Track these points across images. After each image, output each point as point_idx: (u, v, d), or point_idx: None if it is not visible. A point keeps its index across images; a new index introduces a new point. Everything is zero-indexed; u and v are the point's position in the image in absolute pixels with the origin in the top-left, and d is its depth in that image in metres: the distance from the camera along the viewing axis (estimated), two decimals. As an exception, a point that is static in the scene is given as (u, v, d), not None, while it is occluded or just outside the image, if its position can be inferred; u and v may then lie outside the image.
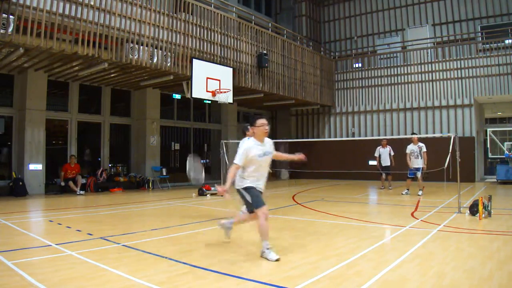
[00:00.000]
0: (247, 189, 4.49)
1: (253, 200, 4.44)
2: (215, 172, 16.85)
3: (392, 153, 12.40)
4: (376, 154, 12.64)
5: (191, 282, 3.53)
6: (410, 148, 11.08)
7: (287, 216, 7.52)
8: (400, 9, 19.41)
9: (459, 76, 16.16)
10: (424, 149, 10.89)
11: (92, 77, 12.03)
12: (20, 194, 10.56)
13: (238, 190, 4.59)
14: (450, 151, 7.81)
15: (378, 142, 12.82)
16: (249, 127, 4.65)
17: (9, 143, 11.53)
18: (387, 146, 12.45)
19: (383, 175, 12.76)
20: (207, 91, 11.56)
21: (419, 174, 10.91)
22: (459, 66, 16.19)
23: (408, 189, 11.15)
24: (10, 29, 7.70)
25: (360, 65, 19.24)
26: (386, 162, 12.47)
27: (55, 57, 9.47)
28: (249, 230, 6.20)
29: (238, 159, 4.44)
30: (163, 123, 15.11)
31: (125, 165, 14.73)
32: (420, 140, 11.24)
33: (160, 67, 10.49)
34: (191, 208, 9.00)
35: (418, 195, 10.71)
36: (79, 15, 8.70)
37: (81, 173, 12.06)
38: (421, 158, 10.89)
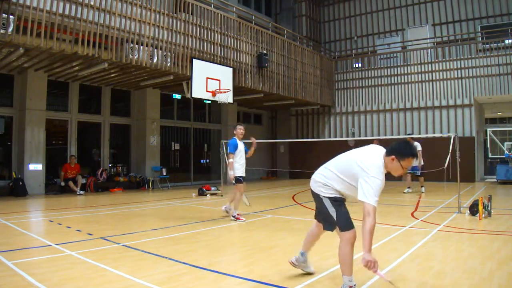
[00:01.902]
0: (335, 200, 3.23)
1: (339, 219, 3.16)
2: (215, 172, 16.87)
3: None
4: None
5: (191, 282, 3.53)
6: None
7: (287, 216, 7.52)
8: (400, 9, 19.40)
9: (459, 76, 16.15)
10: (419, 148, 11.09)
11: (92, 77, 12.03)
12: (20, 194, 10.55)
13: (317, 195, 3.34)
14: (450, 151, 7.81)
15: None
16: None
17: (9, 143, 11.52)
18: None
19: None
20: (207, 91, 11.55)
21: (418, 173, 11.29)
22: (459, 66, 16.18)
23: (423, 186, 11.51)
24: (10, 29, 7.70)
25: (360, 65, 19.23)
26: None
27: (55, 57, 9.47)
28: (249, 230, 6.20)
29: (374, 198, 2.90)
30: (163, 123, 15.10)
31: (125, 165, 14.73)
32: (420, 140, 11.39)
33: (160, 67, 10.48)
34: (191, 208, 9.00)
35: (404, 192, 11.28)
36: (79, 15, 8.70)
37: (81, 173, 12.06)
38: (416, 158, 11.09)
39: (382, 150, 3.17)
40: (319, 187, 3.35)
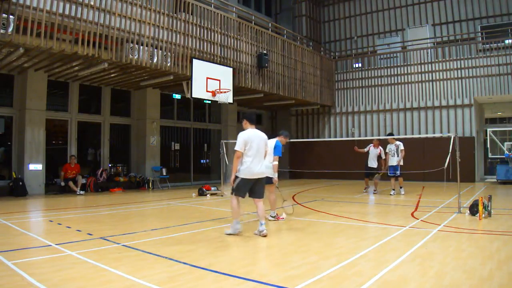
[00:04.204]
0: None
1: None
2: (215, 172, 16.87)
3: (383, 157, 11.67)
4: (366, 149, 11.85)
5: (191, 282, 3.53)
6: (389, 147, 11.24)
7: (287, 216, 7.51)
8: (400, 9, 19.41)
9: (459, 76, 16.15)
10: (402, 147, 10.99)
11: (92, 77, 12.03)
12: (20, 194, 10.56)
13: (265, 177, 5.96)
14: (450, 151, 7.81)
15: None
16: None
17: (9, 143, 11.53)
18: (379, 147, 11.74)
19: (367, 177, 12.15)
20: (207, 91, 11.55)
21: (398, 173, 11.07)
22: (459, 66, 16.18)
23: (394, 189, 11.24)
24: (10, 29, 7.70)
25: (360, 65, 19.23)
26: (372, 163, 11.71)
27: (55, 57, 9.47)
28: (249, 230, 6.21)
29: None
30: (163, 123, 15.10)
31: (125, 165, 14.72)
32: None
33: (160, 67, 10.48)
34: (191, 208, 9.00)
35: (401, 194, 11.03)
36: (79, 15, 8.70)
37: (81, 173, 12.06)
38: (397, 156, 11.00)
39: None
40: (269, 169, 6.24)
